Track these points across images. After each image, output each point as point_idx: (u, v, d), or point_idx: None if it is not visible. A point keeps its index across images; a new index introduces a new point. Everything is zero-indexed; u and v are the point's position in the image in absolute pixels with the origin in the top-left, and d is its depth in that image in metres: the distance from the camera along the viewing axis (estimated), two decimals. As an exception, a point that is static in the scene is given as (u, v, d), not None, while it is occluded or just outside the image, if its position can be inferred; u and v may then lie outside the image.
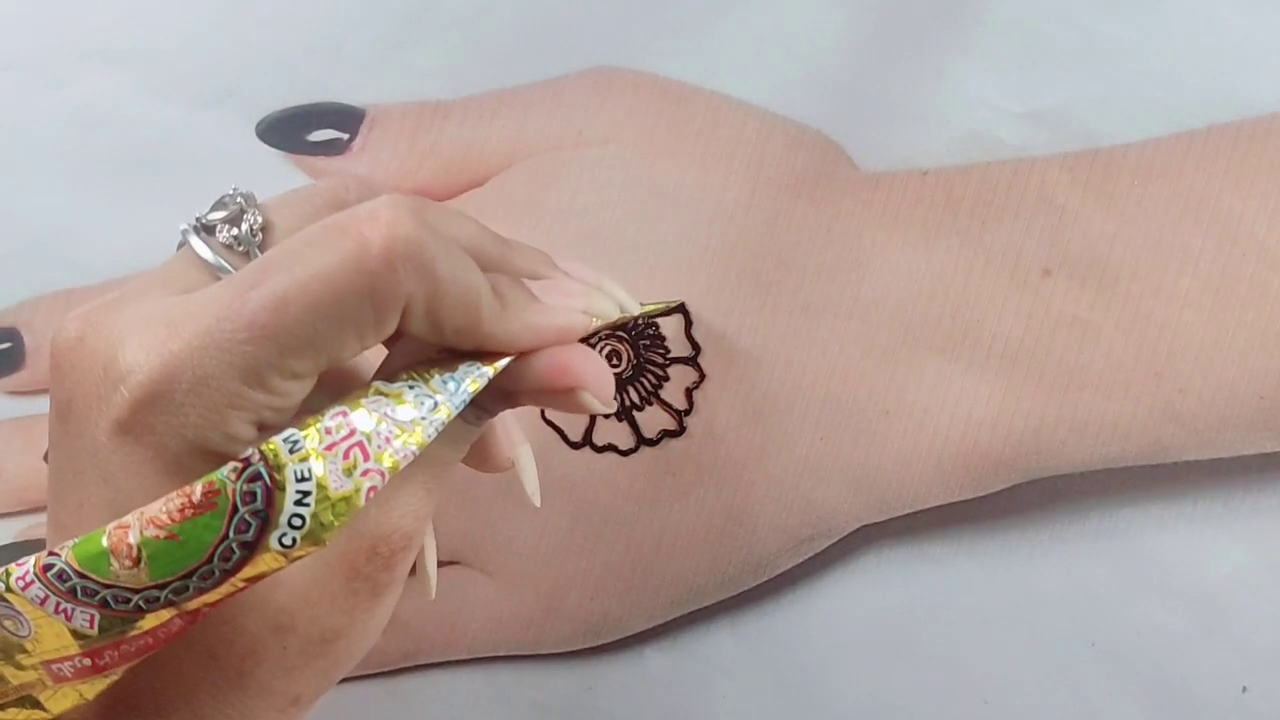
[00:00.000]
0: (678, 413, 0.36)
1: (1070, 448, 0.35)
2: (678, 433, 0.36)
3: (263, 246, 0.28)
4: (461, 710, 0.39)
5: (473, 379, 0.26)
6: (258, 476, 0.23)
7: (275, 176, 0.40)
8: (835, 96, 0.39)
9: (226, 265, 0.28)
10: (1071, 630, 0.38)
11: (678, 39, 0.39)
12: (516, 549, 0.37)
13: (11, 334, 0.40)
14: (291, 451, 0.24)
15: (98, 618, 0.24)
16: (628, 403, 0.36)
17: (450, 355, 0.27)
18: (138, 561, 0.23)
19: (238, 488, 0.23)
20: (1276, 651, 0.38)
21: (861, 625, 0.39)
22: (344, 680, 0.39)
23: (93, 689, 0.25)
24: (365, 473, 0.24)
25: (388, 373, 0.26)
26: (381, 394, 0.25)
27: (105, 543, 0.23)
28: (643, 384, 0.37)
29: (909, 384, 0.36)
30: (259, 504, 0.24)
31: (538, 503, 0.33)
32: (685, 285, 0.36)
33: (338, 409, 0.25)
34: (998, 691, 0.38)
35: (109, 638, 0.24)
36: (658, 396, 0.36)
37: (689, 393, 0.36)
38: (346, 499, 0.24)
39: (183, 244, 0.28)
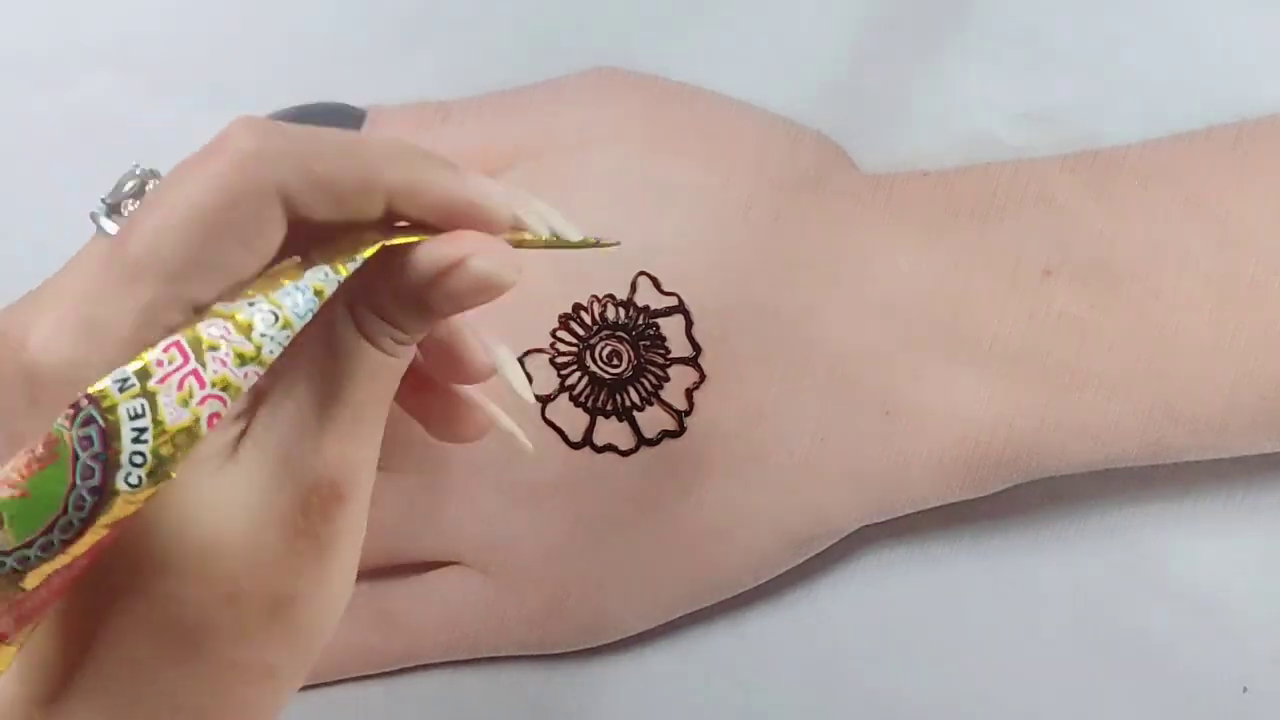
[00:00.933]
0: (678, 413, 0.36)
1: (1071, 448, 0.35)
2: (678, 433, 0.36)
3: None
4: (461, 710, 0.39)
5: (318, 284, 0.25)
6: (90, 420, 0.23)
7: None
8: (836, 97, 0.39)
9: None
10: (1072, 630, 0.38)
11: (678, 39, 0.39)
12: (516, 549, 0.37)
13: (11, 334, 0.40)
14: (121, 390, 0.24)
15: None
16: (628, 403, 0.36)
17: (300, 262, 0.26)
18: (1, 524, 0.23)
19: (73, 434, 0.23)
20: (1276, 651, 0.38)
21: (861, 625, 0.39)
22: (344, 680, 0.39)
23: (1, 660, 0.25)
24: (203, 400, 0.24)
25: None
26: (219, 316, 0.25)
27: None
28: (643, 384, 0.37)
29: (909, 384, 0.36)
30: (97, 447, 0.23)
31: (530, 399, 0.31)
32: (686, 285, 0.36)
33: (171, 339, 0.24)
34: (998, 691, 0.38)
35: None
36: (658, 397, 0.36)
37: (689, 393, 0.36)
38: (187, 429, 0.24)
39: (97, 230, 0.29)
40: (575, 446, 0.36)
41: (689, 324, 0.36)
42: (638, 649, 0.39)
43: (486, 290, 0.26)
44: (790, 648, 0.39)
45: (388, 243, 0.26)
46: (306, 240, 0.26)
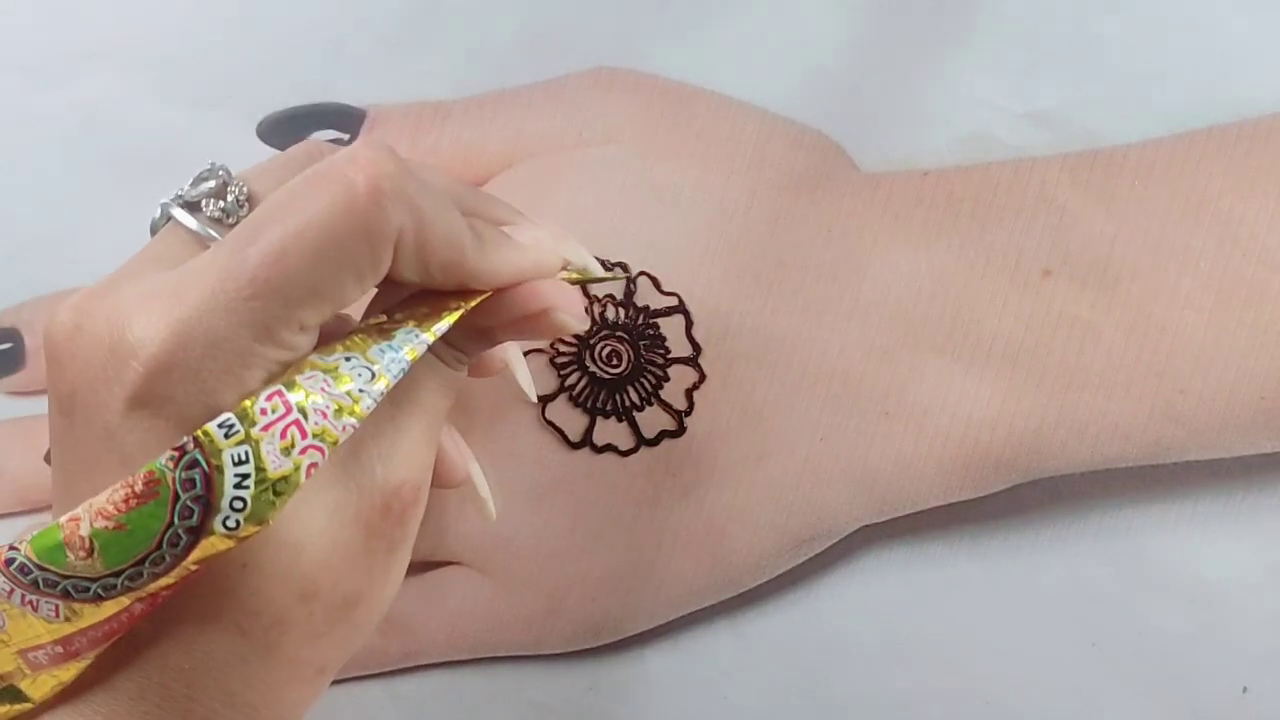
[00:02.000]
0: (678, 413, 0.36)
1: (1071, 448, 0.35)
2: (678, 433, 0.36)
3: None
4: (461, 710, 0.39)
5: (410, 347, 0.27)
6: (195, 464, 0.24)
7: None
8: (836, 97, 0.39)
9: (216, 235, 0.28)
10: (1072, 630, 0.38)
11: (678, 39, 0.39)
12: (516, 549, 0.37)
13: (11, 334, 0.40)
14: (227, 436, 0.24)
15: (61, 607, 0.25)
16: (627, 403, 0.36)
17: (387, 321, 0.27)
18: (91, 552, 0.24)
19: (176, 475, 0.24)
20: (1276, 651, 0.38)
21: (861, 625, 0.39)
22: (344, 680, 0.39)
23: (68, 673, 0.26)
24: (304, 450, 0.25)
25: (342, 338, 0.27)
26: (318, 368, 0.25)
27: (60, 535, 0.24)
28: (643, 384, 0.37)
29: (909, 384, 0.36)
30: (199, 490, 0.24)
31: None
32: (686, 285, 0.36)
33: (273, 388, 0.25)
34: (998, 691, 0.38)
35: (76, 625, 0.25)
36: (658, 397, 0.36)
37: (689, 393, 0.36)
38: (286, 478, 0.24)
39: (163, 221, 0.28)
40: (575, 446, 0.36)
41: (689, 324, 0.36)
42: (638, 649, 0.39)
43: (555, 335, 0.30)
44: (790, 648, 0.39)
45: (467, 307, 0.28)
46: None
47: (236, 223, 0.28)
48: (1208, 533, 0.38)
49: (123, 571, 0.24)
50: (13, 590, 0.24)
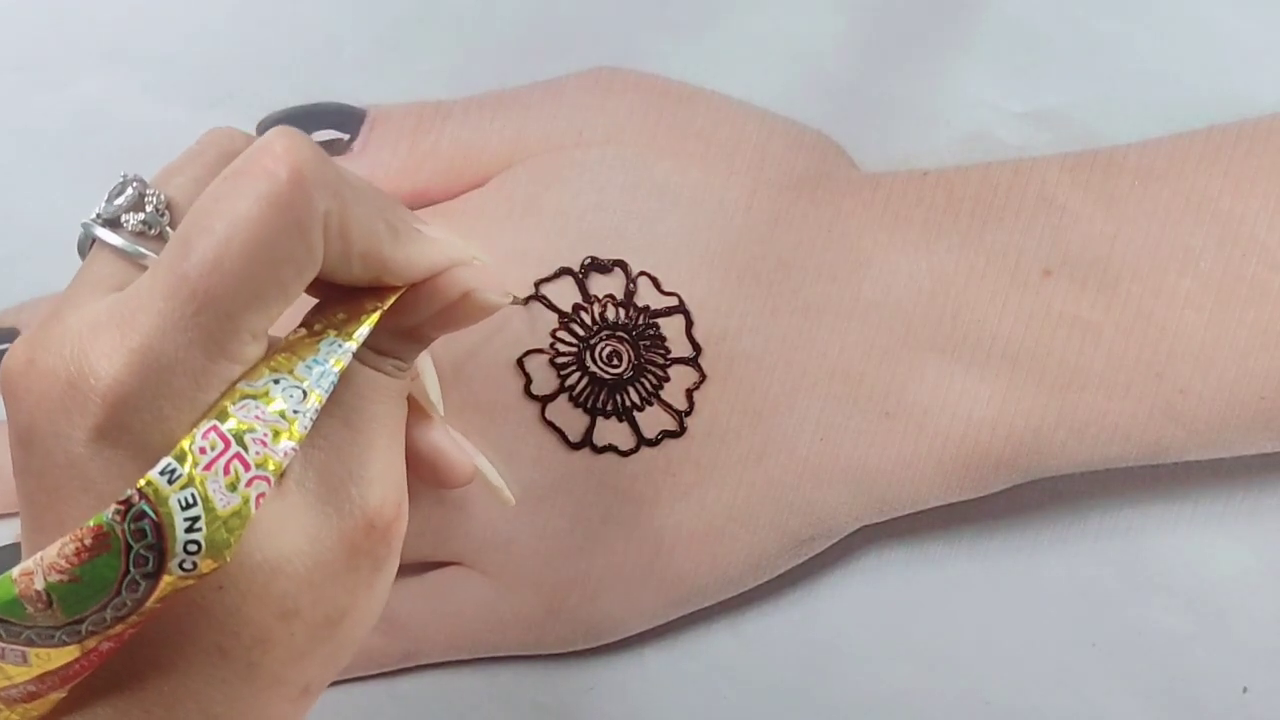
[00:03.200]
0: (678, 413, 0.36)
1: (1071, 448, 0.35)
2: (678, 433, 0.36)
3: (173, 223, 0.28)
4: (461, 710, 0.39)
5: (335, 358, 0.26)
6: (143, 515, 0.24)
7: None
8: (836, 97, 0.39)
9: (145, 251, 0.27)
10: (1072, 630, 0.38)
11: (678, 39, 0.39)
12: (516, 550, 0.37)
13: (11, 334, 0.40)
14: (170, 482, 0.24)
15: (28, 654, 0.25)
16: (628, 403, 0.36)
17: (306, 335, 0.27)
18: (49, 604, 0.24)
19: (126, 528, 0.24)
20: (1276, 651, 0.38)
21: (861, 625, 0.39)
22: (344, 680, 0.39)
23: (43, 706, 0.26)
24: (250, 482, 0.25)
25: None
26: (248, 396, 0.25)
27: (15, 590, 0.24)
28: (643, 384, 0.37)
29: (909, 384, 0.36)
30: (150, 538, 0.24)
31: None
32: (686, 285, 0.36)
33: (207, 424, 0.25)
34: (998, 691, 0.38)
35: (44, 668, 0.25)
36: (658, 397, 0.36)
37: (689, 393, 0.36)
38: (237, 513, 0.24)
39: (88, 243, 0.28)
40: (575, 447, 0.36)
41: (689, 324, 0.36)
42: (638, 649, 0.39)
43: (481, 316, 0.29)
44: (790, 648, 0.39)
45: (384, 307, 0.27)
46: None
47: (160, 233, 0.28)
48: (1208, 533, 0.38)
49: (85, 618, 0.24)
50: None
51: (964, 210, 0.36)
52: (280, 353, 0.26)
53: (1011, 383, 0.36)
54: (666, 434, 0.36)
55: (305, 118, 0.40)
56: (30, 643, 0.24)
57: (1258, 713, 0.37)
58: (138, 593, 0.24)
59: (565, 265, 0.36)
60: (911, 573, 0.39)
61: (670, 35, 0.39)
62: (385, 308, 0.27)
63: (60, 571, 0.24)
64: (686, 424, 0.36)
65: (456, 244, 0.29)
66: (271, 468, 0.25)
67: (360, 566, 0.27)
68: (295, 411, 0.25)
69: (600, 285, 0.36)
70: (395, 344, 0.29)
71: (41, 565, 0.24)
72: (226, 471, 0.24)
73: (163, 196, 0.28)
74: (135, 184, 0.28)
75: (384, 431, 0.28)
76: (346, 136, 0.39)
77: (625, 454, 0.36)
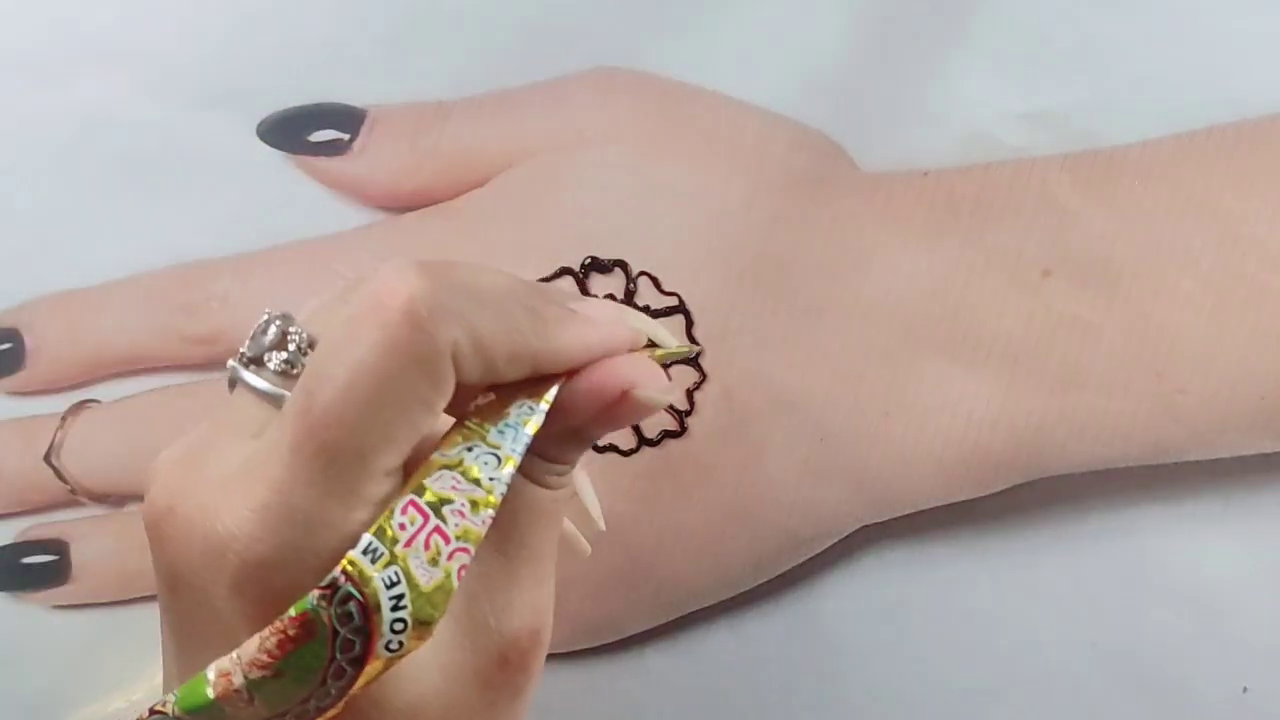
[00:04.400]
0: (679, 413, 0.36)
1: (1071, 448, 0.35)
2: (679, 433, 0.36)
3: None
4: (462, 710, 0.39)
5: (527, 420, 0.25)
6: (349, 598, 0.23)
7: (276, 177, 0.40)
8: (836, 96, 0.39)
9: (284, 392, 0.26)
10: (1072, 630, 0.38)
11: (678, 39, 0.39)
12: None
13: (11, 334, 0.40)
14: (373, 561, 0.23)
15: None
16: (628, 403, 0.36)
17: (495, 400, 0.26)
18: (251, 701, 0.23)
19: (332, 613, 0.23)
20: (1276, 651, 0.38)
21: (862, 625, 0.39)
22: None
23: None
24: (451, 555, 0.24)
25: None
26: (445, 467, 0.25)
27: (211, 694, 0.23)
28: (643, 384, 0.36)
29: (909, 384, 0.36)
30: (358, 621, 0.23)
31: (602, 525, 0.33)
32: (686, 285, 0.36)
33: (405, 499, 0.24)
34: (998, 691, 0.38)
35: None
36: (658, 397, 0.36)
37: (690, 393, 0.36)
38: (440, 587, 0.24)
39: (233, 380, 0.27)
40: (575, 446, 0.36)
41: (689, 324, 0.36)
42: (638, 649, 0.39)
43: (647, 414, 0.27)
44: (790, 648, 0.39)
45: (564, 381, 0.26)
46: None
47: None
48: (1208, 533, 0.38)
49: (288, 711, 0.23)
50: None
51: (964, 210, 0.36)
52: (470, 418, 0.26)
53: (1011, 383, 0.36)
54: (667, 434, 0.36)
55: (306, 118, 0.40)
56: None
57: (1258, 713, 0.37)
58: (343, 680, 0.23)
59: (565, 265, 0.36)
60: (911, 573, 0.39)
61: (670, 35, 0.39)
62: (565, 382, 0.26)
63: (262, 667, 0.23)
64: (687, 424, 0.36)
65: (614, 321, 0.27)
66: (473, 538, 0.24)
67: (497, 701, 0.27)
68: (491, 479, 0.25)
69: (600, 285, 0.36)
70: (558, 447, 0.27)
71: (240, 663, 0.23)
72: (427, 546, 0.24)
73: (305, 335, 0.27)
74: (279, 321, 0.27)
75: (535, 559, 0.27)
76: (347, 137, 0.39)
77: (626, 454, 0.36)
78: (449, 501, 0.24)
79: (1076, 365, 0.35)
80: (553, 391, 0.26)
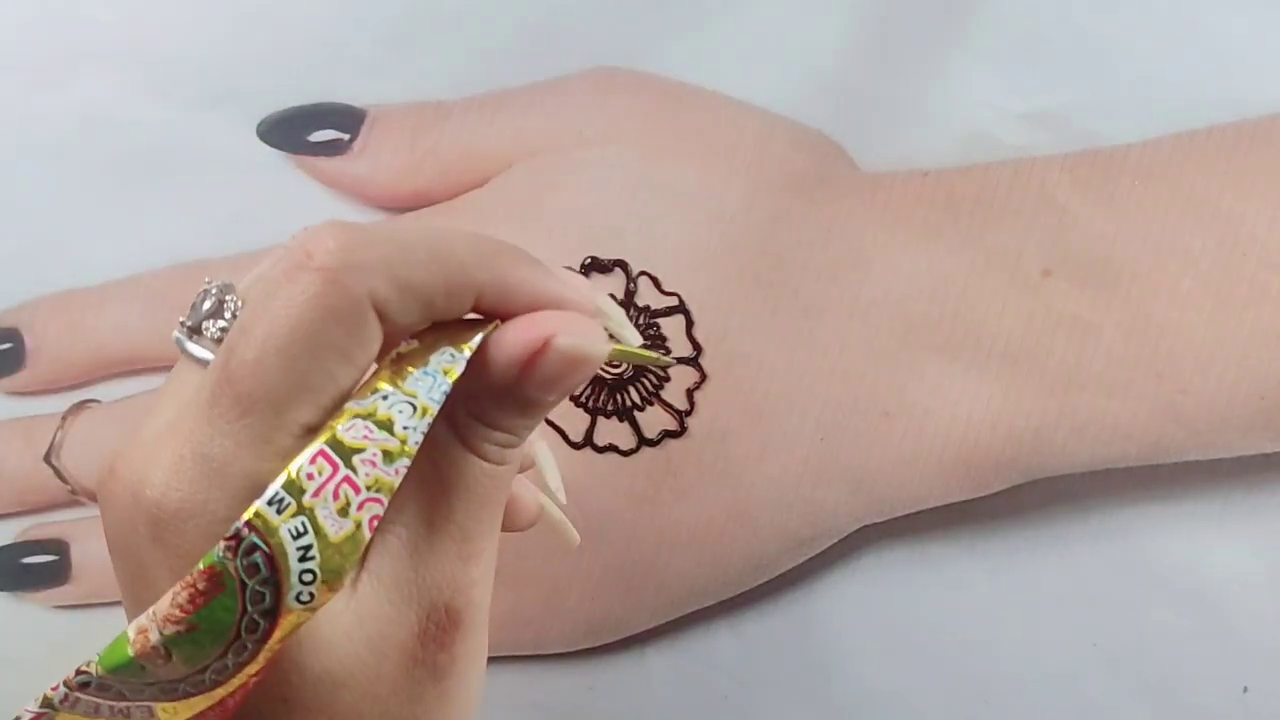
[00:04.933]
0: (679, 413, 0.36)
1: (1071, 448, 0.35)
2: (679, 433, 0.36)
3: None
4: (462, 710, 0.39)
5: (448, 368, 0.25)
6: (254, 548, 0.23)
7: (276, 177, 0.40)
8: (836, 97, 0.39)
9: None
10: (1072, 630, 0.38)
11: (678, 39, 0.39)
12: (516, 549, 0.37)
13: (11, 334, 0.40)
14: (279, 512, 0.23)
15: (155, 709, 0.24)
16: (628, 403, 0.36)
17: (419, 347, 0.25)
18: (169, 657, 0.23)
19: (238, 564, 0.23)
20: (1276, 651, 0.38)
21: (862, 625, 0.39)
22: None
23: None
24: (361, 505, 0.24)
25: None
26: (358, 416, 0.24)
27: (131, 652, 0.23)
28: (644, 384, 0.37)
29: (909, 384, 0.36)
30: (264, 573, 0.23)
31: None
32: (686, 285, 0.36)
33: (315, 448, 0.24)
34: (998, 691, 0.39)
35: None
36: (658, 397, 0.36)
37: (690, 393, 0.36)
38: (350, 537, 0.24)
39: (180, 350, 0.28)
40: (576, 447, 0.36)
41: (689, 324, 0.36)
42: (638, 649, 0.39)
43: (579, 367, 0.26)
44: (790, 648, 0.39)
45: (499, 324, 0.25)
46: (396, 339, 0.25)
47: None
48: (1208, 533, 0.38)
49: (208, 667, 0.23)
50: (99, 706, 0.23)
51: (964, 210, 0.36)
52: (387, 366, 0.25)
53: (1011, 383, 0.36)
54: (667, 434, 0.36)
55: (306, 118, 0.40)
56: (154, 698, 0.24)
57: (1258, 713, 0.37)
58: (257, 633, 0.23)
59: (565, 265, 0.36)
60: (911, 573, 0.39)
61: (670, 35, 0.39)
62: (500, 324, 0.25)
63: (175, 622, 0.23)
64: (687, 424, 0.36)
65: (578, 281, 0.27)
66: (385, 488, 0.24)
67: (421, 677, 0.26)
68: (406, 428, 0.24)
69: (601, 285, 0.37)
70: (496, 411, 0.26)
71: (155, 619, 0.23)
72: (336, 496, 0.23)
73: (239, 303, 0.27)
74: (216, 289, 0.27)
75: (464, 535, 0.26)
76: (347, 136, 0.39)
77: (626, 454, 0.36)
78: (359, 450, 0.24)
79: (1076, 365, 0.35)
80: (477, 338, 0.25)
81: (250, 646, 0.23)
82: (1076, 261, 0.35)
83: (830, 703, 0.39)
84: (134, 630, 0.23)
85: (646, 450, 0.36)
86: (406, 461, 0.24)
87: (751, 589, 0.38)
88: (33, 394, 0.41)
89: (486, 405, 0.26)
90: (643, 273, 0.36)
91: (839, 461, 0.36)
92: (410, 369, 0.25)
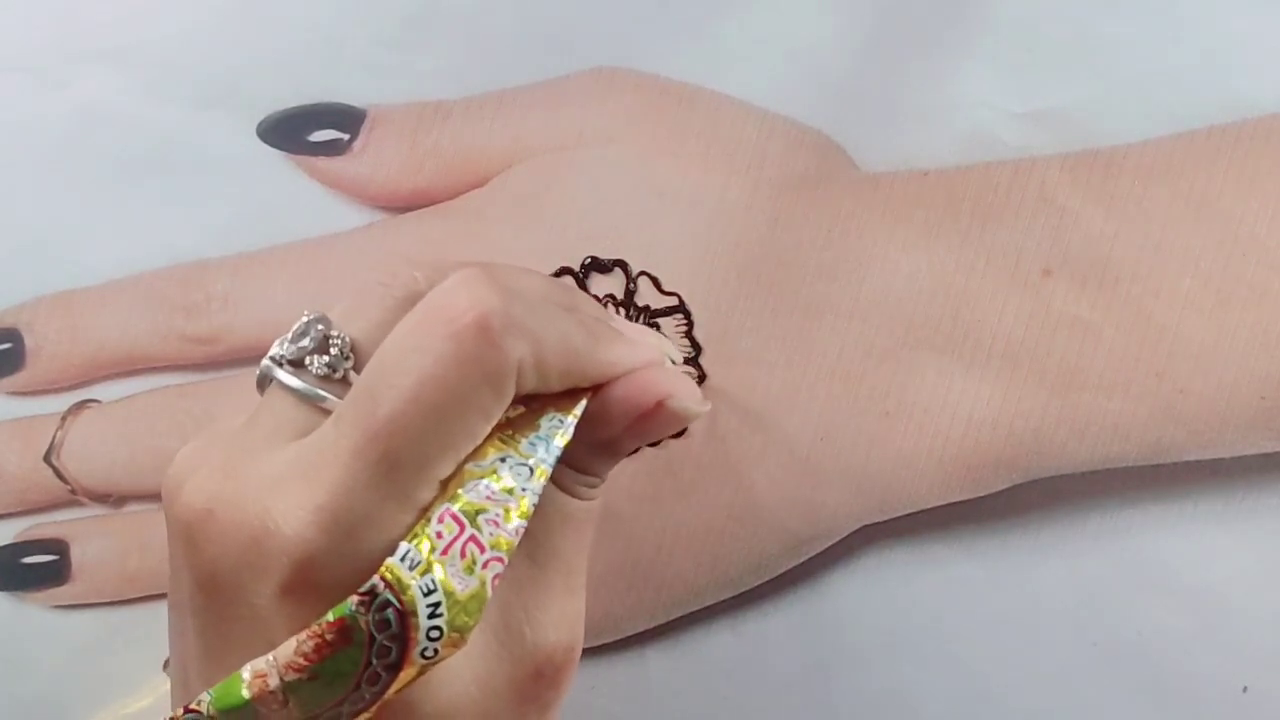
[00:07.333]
0: (678, 413, 0.36)
1: (1071, 448, 0.35)
2: (679, 433, 0.36)
3: (356, 366, 0.27)
4: (462, 710, 0.39)
5: (556, 432, 0.26)
6: (387, 604, 0.23)
7: (276, 177, 0.40)
8: (836, 96, 0.39)
9: (328, 396, 0.26)
10: (1072, 630, 0.38)
11: (678, 39, 0.39)
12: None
13: (12, 334, 0.40)
14: (411, 569, 0.24)
15: None
16: (628, 403, 0.36)
17: (526, 412, 0.26)
18: (285, 703, 0.23)
19: (370, 619, 0.23)
20: (1276, 651, 0.38)
21: (862, 625, 0.39)
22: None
23: None
24: (486, 564, 0.24)
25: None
26: (480, 478, 0.25)
27: (247, 694, 0.23)
28: (643, 384, 0.36)
29: (909, 384, 0.36)
30: (394, 629, 0.23)
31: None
32: (686, 285, 0.36)
33: (441, 508, 0.24)
34: (998, 691, 0.38)
35: None
36: (658, 397, 0.36)
37: (689, 393, 0.36)
38: (475, 595, 0.24)
39: (265, 380, 0.27)
40: (575, 446, 0.36)
41: (689, 324, 0.36)
42: (638, 649, 0.39)
43: (685, 423, 0.28)
44: (790, 648, 0.39)
45: (595, 394, 0.27)
46: None
47: (344, 376, 0.27)
48: (1208, 533, 0.38)
49: (320, 714, 0.24)
50: None
51: (964, 210, 0.36)
52: (502, 430, 0.26)
53: (1011, 383, 0.36)
54: (667, 434, 0.36)
55: (306, 118, 0.40)
56: None
57: (1258, 713, 0.37)
58: (377, 685, 0.24)
59: (565, 265, 0.36)
60: (911, 573, 0.39)
61: (670, 35, 0.39)
62: (595, 394, 0.27)
63: (298, 670, 0.23)
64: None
65: (652, 344, 0.28)
66: (505, 547, 0.25)
67: (528, 714, 0.27)
68: (523, 489, 0.25)
69: (600, 285, 0.36)
70: (590, 459, 0.28)
71: (276, 664, 0.23)
72: (463, 555, 0.24)
73: (347, 339, 0.27)
74: (320, 325, 0.27)
75: (564, 568, 0.27)
76: (347, 137, 0.39)
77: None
78: (483, 511, 0.25)
79: (1076, 365, 0.35)
80: (581, 405, 0.27)
81: (368, 697, 0.24)
82: (1076, 261, 0.35)
83: (830, 703, 0.39)
84: (249, 673, 0.23)
85: (646, 450, 0.36)
86: (523, 522, 0.25)
87: (751, 589, 0.38)
88: (33, 394, 0.41)
89: (581, 455, 0.27)
90: (643, 273, 0.36)
91: (839, 462, 0.36)
92: (520, 434, 0.26)
